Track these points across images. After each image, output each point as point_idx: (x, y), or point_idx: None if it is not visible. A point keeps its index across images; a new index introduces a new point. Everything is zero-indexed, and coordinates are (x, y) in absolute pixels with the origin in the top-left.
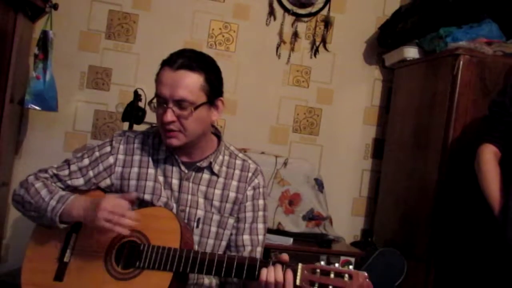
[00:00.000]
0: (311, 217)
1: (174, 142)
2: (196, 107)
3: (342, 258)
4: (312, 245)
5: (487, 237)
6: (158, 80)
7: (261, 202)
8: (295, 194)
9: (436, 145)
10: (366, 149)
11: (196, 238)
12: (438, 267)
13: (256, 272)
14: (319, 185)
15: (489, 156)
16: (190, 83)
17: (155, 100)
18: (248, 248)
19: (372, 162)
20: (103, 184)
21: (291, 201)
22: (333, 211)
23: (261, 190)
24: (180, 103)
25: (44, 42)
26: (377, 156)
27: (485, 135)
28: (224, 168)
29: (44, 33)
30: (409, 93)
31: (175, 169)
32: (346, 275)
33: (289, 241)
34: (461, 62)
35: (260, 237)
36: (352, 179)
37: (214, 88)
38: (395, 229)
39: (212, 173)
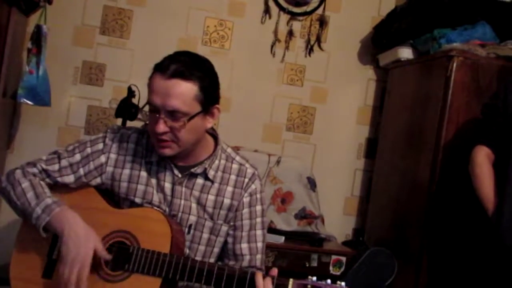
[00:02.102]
0: (303, 215)
1: (167, 152)
2: (190, 118)
3: (334, 257)
4: (303, 244)
5: (479, 237)
6: (149, 87)
7: (258, 208)
8: (287, 192)
9: (429, 145)
10: (359, 148)
11: (187, 243)
12: (429, 267)
13: (246, 284)
14: (311, 184)
15: (482, 159)
16: (183, 93)
17: (147, 107)
18: (247, 258)
19: (365, 161)
20: (93, 182)
21: (283, 200)
22: (325, 210)
23: (258, 196)
24: (172, 113)
25: (38, 37)
26: (370, 156)
27: (478, 137)
28: (219, 173)
29: (38, 28)
30: (403, 93)
31: (168, 173)
32: None
33: (281, 239)
34: (455, 64)
35: (259, 244)
36: (345, 179)
37: (209, 96)
38: (387, 229)
39: (207, 178)
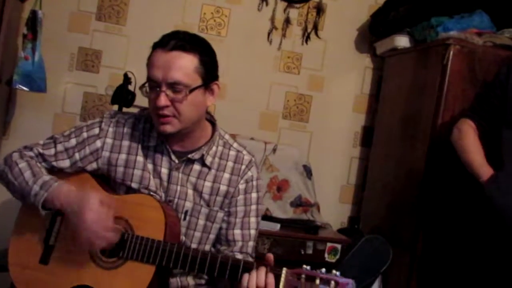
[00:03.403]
0: (299, 203)
1: (168, 128)
2: (191, 90)
3: (329, 244)
4: (299, 231)
5: (474, 225)
6: (150, 63)
7: (254, 195)
8: (283, 180)
9: (424, 134)
10: (355, 137)
11: (183, 230)
12: (423, 254)
13: (239, 274)
14: (307, 172)
15: (467, 128)
16: (184, 64)
17: (147, 85)
18: (239, 244)
19: (361, 150)
20: (89, 167)
21: (279, 187)
22: (321, 198)
23: (254, 183)
24: (173, 86)
25: (33, 22)
26: (366, 144)
27: (469, 112)
28: (216, 160)
29: (33, 13)
30: (399, 81)
31: (165, 158)
32: (332, 282)
33: (277, 227)
34: (451, 52)
35: (252, 231)
36: (341, 167)
37: (209, 71)
38: (382, 216)
39: (204, 164)
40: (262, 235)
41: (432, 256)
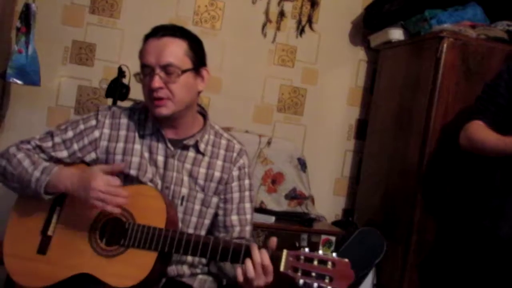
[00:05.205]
0: (293, 196)
1: (163, 110)
2: (183, 72)
3: (323, 237)
4: (293, 224)
5: (467, 219)
6: (142, 51)
7: (247, 182)
8: (278, 173)
9: (418, 127)
10: (350, 129)
11: (179, 215)
12: (417, 247)
13: (241, 257)
14: (302, 164)
15: (481, 127)
16: (175, 48)
17: (141, 72)
18: (237, 229)
19: (355, 143)
20: (87, 158)
21: (274, 180)
22: (315, 191)
23: (246, 170)
24: (166, 68)
25: (27, 15)
26: (360, 137)
27: (474, 114)
28: (209, 147)
29: (27, 6)
30: (393, 74)
31: (160, 145)
32: (330, 263)
33: (271, 219)
34: (445, 45)
35: (248, 216)
36: (335, 160)
37: (198, 55)
38: (376, 209)
39: (198, 151)
40: (257, 227)
41: (425, 249)
